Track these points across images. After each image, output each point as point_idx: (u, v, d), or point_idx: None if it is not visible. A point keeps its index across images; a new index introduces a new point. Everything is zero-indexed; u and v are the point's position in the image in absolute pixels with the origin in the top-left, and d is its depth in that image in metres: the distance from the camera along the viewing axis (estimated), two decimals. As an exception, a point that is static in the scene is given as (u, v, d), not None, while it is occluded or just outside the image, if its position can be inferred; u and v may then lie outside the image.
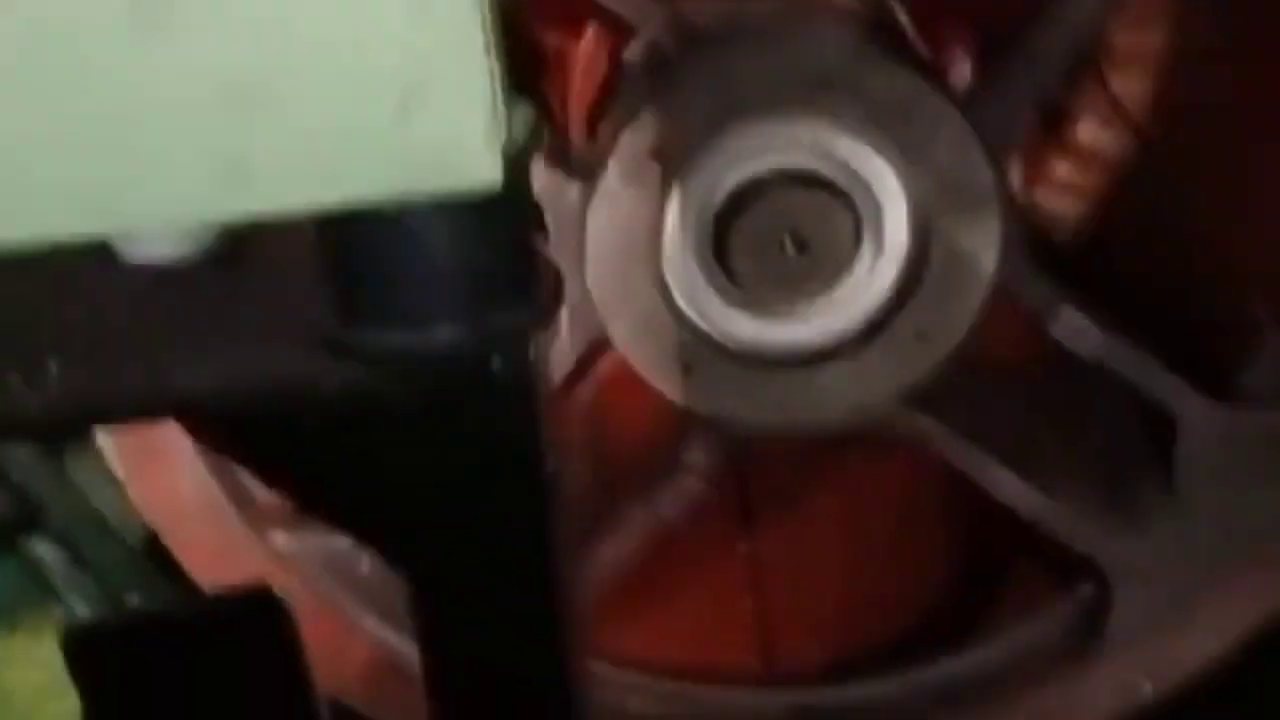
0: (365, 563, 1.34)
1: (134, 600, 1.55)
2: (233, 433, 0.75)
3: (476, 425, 0.74)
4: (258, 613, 0.94)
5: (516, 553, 0.78)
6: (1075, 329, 1.29)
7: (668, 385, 1.30)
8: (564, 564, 0.91)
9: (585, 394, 1.57)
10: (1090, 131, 1.64)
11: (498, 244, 0.72)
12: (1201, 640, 1.40)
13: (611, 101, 1.35)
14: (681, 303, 1.28)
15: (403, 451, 0.74)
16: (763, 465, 1.69)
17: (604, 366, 1.56)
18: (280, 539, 1.36)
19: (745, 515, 1.69)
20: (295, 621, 0.95)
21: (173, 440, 1.34)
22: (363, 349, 0.72)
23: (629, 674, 1.50)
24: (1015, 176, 1.30)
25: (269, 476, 0.79)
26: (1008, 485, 1.36)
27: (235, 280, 0.81)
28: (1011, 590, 1.53)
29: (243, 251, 0.80)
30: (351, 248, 0.73)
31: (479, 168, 0.66)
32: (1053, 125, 1.67)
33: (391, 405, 0.73)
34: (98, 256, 0.72)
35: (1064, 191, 1.65)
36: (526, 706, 0.85)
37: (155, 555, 1.46)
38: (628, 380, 1.49)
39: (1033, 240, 1.37)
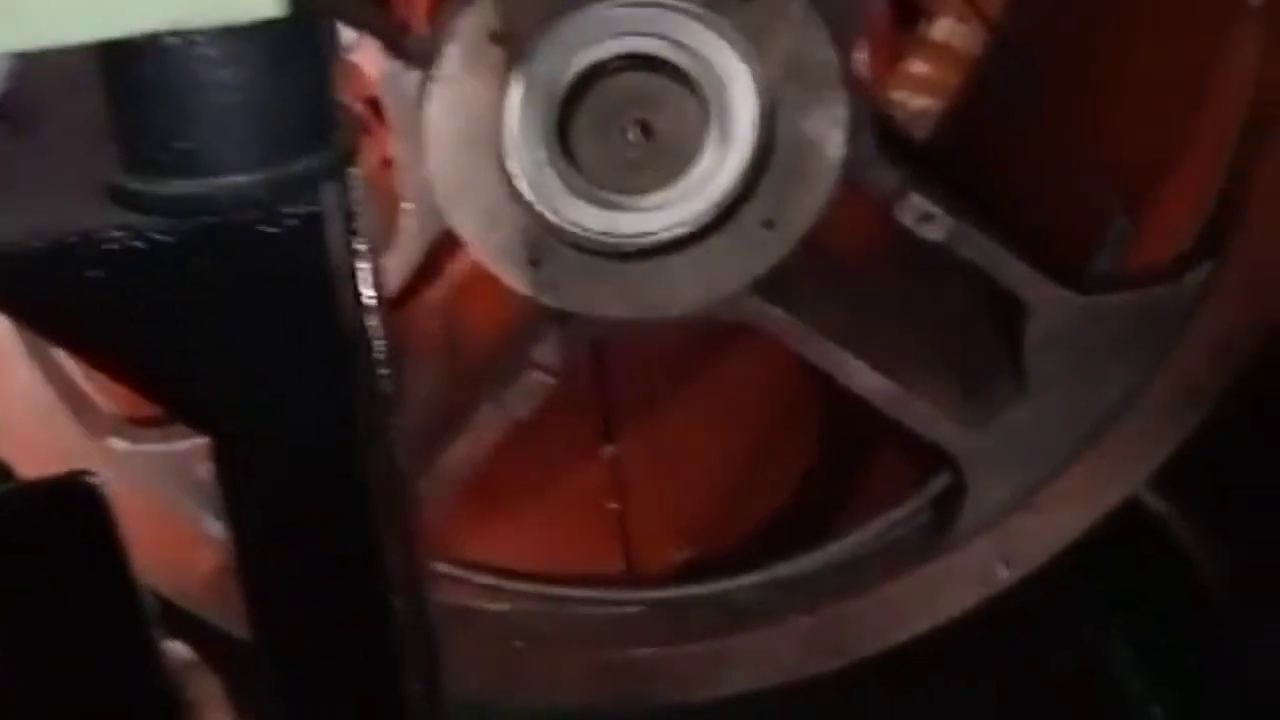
0: (204, 466, 1.30)
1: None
2: (19, 290, 0.72)
3: (269, 276, 0.71)
4: (69, 501, 0.91)
5: (320, 408, 0.75)
6: (923, 214, 1.28)
7: (515, 278, 1.28)
8: (379, 424, 0.88)
9: (438, 294, 1.55)
10: (946, 28, 1.64)
11: (288, 85, 0.69)
12: (1057, 524, 1.42)
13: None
14: (527, 193, 1.25)
15: (196, 305, 0.71)
16: (626, 369, 1.68)
17: (457, 266, 1.54)
18: (118, 444, 1.32)
19: (608, 419, 1.68)
20: (110, 509, 0.92)
21: (4, 345, 1.30)
22: (148, 199, 0.69)
23: (488, 575, 1.49)
24: (862, 63, 1.29)
25: (59, 335, 0.76)
26: (861, 376, 1.36)
27: (21, 137, 0.77)
28: (871, 485, 1.54)
29: (31, 108, 0.77)
30: (136, 94, 0.70)
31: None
32: (910, 23, 1.67)
33: (180, 257, 0.70)
34: None
35: (921, 88, 1.65)
36: (339, 577, 0.83)
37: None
38: (480, 279, 1.47)
39: (884, 131, 1.36)
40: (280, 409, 0.74)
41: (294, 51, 0.68)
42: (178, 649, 1.26)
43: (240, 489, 0.76)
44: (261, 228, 0.70)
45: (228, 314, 0.72)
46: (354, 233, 0.86)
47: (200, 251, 0.70)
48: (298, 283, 0.72)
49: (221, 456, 0.76)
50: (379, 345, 0.93)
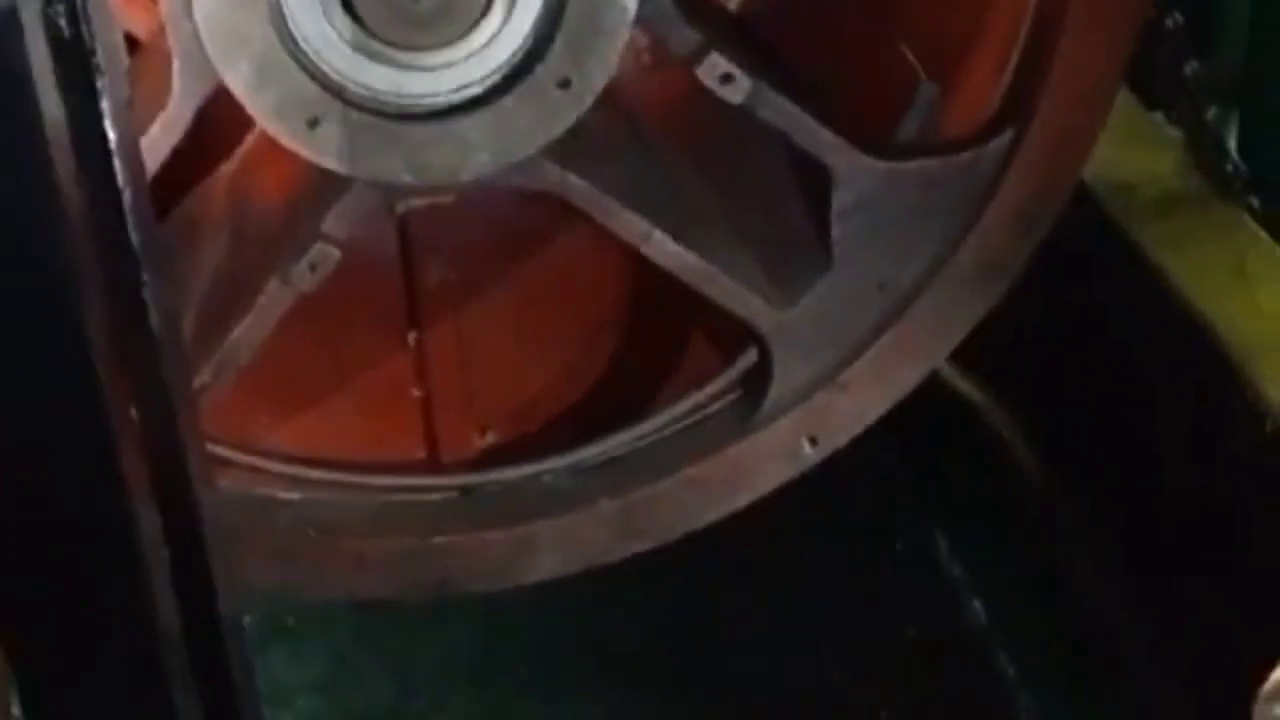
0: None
1: None
2: None
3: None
4: None
5: (19, 231, 0.68)
6: (723, 75, 1.24)
7: (292, 138, 1.21)
8: (119, 277, 0.82)
9: (228, 168, 1.47)
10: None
11: None
12: (862, 401, 1.40)
13: None
14: (305, 47, 1.18)
15: None
16: (431, 254, 1.62)
17: (249, 140, 1.46)
18: None
19: (413, 306, 1.62)
20: None
21: None
22: None
23: (287, 464, 1.43)
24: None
25: None
26: (663, 248, 1.32)
27: None
28: (678, 365, 1.50)
29: None
30: None
31: None
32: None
33: None
34: None
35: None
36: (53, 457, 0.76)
37: None
38: (267, 147, 1.39)
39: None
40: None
41: None
42: None
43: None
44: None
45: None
46: (85, 66, 0.79)
47: None
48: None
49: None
50: (127, 199, 0.86)
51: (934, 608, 2.03)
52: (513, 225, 1.55)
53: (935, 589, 2.05)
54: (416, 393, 1.56)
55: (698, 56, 1.24)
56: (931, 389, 1.68)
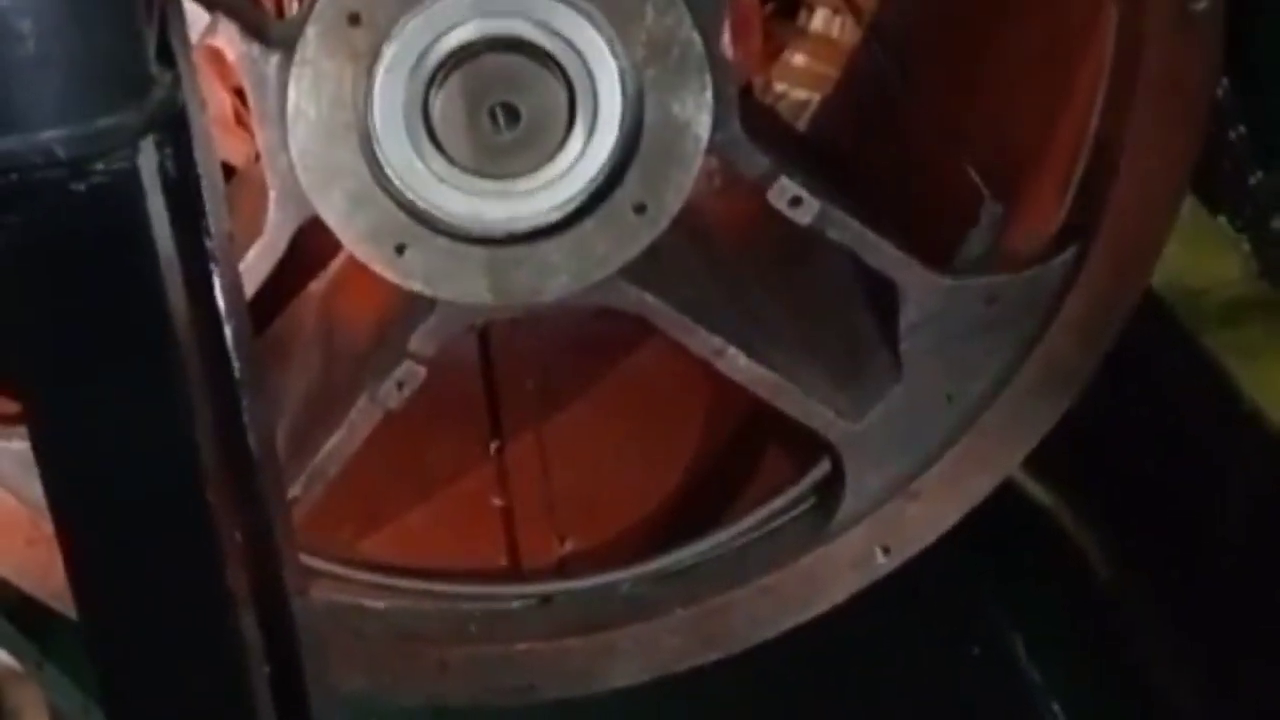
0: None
1: None
2: None
3: (79, 236, 0.69)
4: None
5: (141, 380, 0.73)
6: (793, 198, 1.28)
7: (381, 265, 1.26)
8: (225, 408, 0.87)
9: (317, 287, 1.53)
10: (823, 19, 1.65)
11: (91, 36, 0.67)
12: (933, 510, 1.42)
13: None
14: (393, 177, 1.24)
15: (6, 268, 0.70)
16: (512, 365, 1.68)
17: (335, 259, 1.53)
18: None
19: (495, 416, 1.67)
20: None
21: None
22: (-50, 155, 0.68)
23: (371, 573, 1.47)
24: (728, 46, 1.29)
25: None
26: (737, 363, 1.36)
27: None
28: (752, 475, 1.53)
29: None
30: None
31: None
32: (790, 14, 1.68)
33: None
34: None
35: (801, 79, 1.66)
36: (171, 578, 0.81)
37: None
38: (356, 270, 1.46)
39: (757, 116, 1.37)
40: (96, 381, 0.72)
41: (96, 2, 0.66)
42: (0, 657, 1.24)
43: (56, 477, 0.74)
44: (70, 185, 0.68)
45: (38, 277, 0.70)
46: (192, 205, 0.85)
47: (5, 210, 0.68)
48: (110, 243, 0.70)
49: (37, 439, 0.73)
50: (230, 330, 0.91)
51: (1013, 712, 2.03)
52: (592, 335, 1.60)
53: (1014, 693, 2.05)
54: (498, 502, 1.60)
55: (768, 180, 1.29)
56: (1007, 495, 1.70)
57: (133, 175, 0.69)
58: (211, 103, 1.50)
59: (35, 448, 0.74)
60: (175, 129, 0.78)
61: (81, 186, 0.68)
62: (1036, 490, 1.96)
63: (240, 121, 1.51)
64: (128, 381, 0.73)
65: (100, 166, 0.68)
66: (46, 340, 0.71)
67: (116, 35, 0.68)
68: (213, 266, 0.89)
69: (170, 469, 0.78)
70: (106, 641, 0.84)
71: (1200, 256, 1.94)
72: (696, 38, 1.21)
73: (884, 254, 1.32)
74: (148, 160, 0.70)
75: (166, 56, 0.77)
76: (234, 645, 0.83)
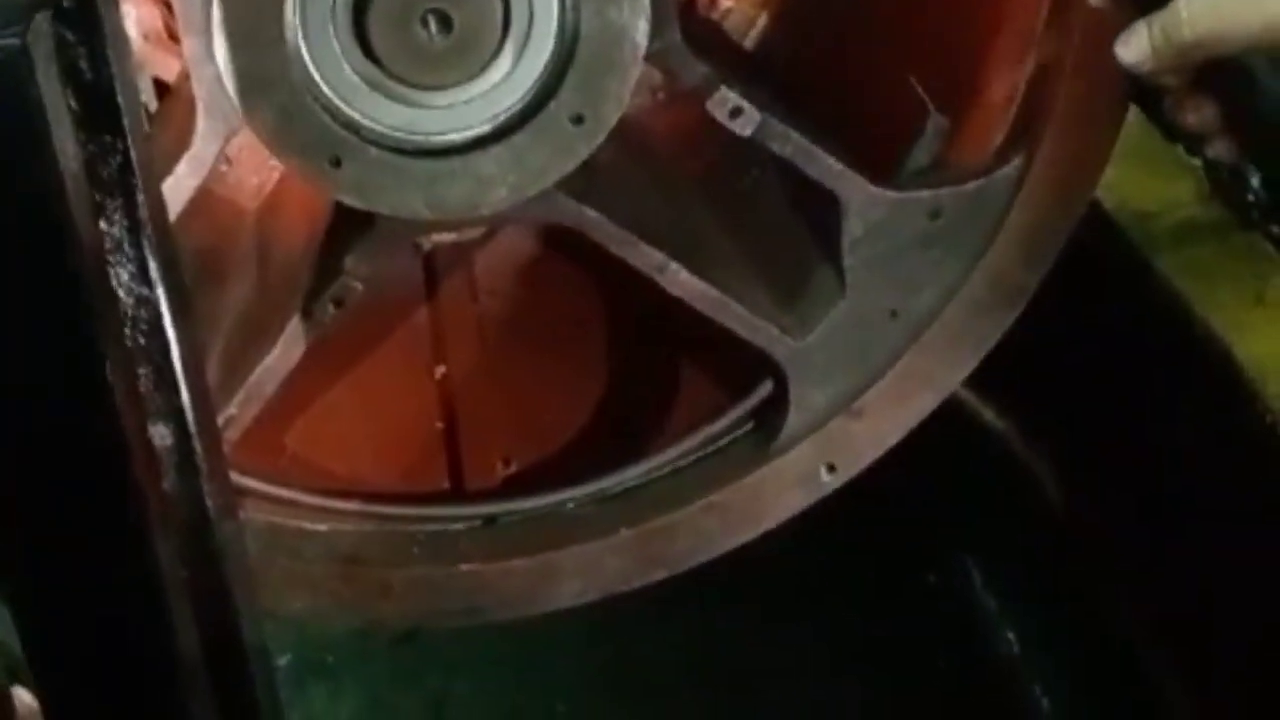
0: None
1: None
2: None
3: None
4: None
5: (37, 284, 0.71)
6: (733, 109, 1.27)
7: (316, 178, 1.24)
8: (138, 311, 0.85)
9: (250, 205, 1.51)
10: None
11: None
12: (877, 429, 1.42)
13: None
14: (324, 88, 1.21)
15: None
16: (455, 290, 1.66)
17: (271, 176, 1.50)
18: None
19: (438, 341, 1.65)
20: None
21: None
22: None
23: (311, 495, 1.46)
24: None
25: None
26: (679, 279, 1.34)
27: None
28: (694, 394, 1.52)
29: None
30: None
31: None
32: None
33: None
34: None
35: (747, -4, 1.64)
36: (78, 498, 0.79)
37: None
38: (290, 186, 1.43)
39: (699, 26, 1.35)
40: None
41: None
42: (24, 699, 1.21)
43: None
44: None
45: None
46: (104, 105, 0.82)
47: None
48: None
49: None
50: (151, 241, 0.89)
51: (966, 639, 2.04)
52: (534, 260, 1.58)
53: (967, 621, 2.06)
54: (440, 425, 1.59)
55: (707, 90, 1.27)
56: (958, 420, 1.69)
57: (22, 54, 0.67)
58: (142, 16, 1.47)
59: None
60: (79, 17, 0.76)
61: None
62: (988, 414, 1.96)
63: (172, 36, 1.48)
64: (25, 286, 0.71)
65: (-12, 43, 0.66)
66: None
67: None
68: (130, 172, 0.87)
69: (79, 378, 0.76)
70: (14, 570, 0.82)
71: (1152, 179, 1.93)
72: (633, -57, 1.19)
73: (826, 167, 1.31)
74: (40, 41, 0.68)
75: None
76: (147, 570, 0.82)
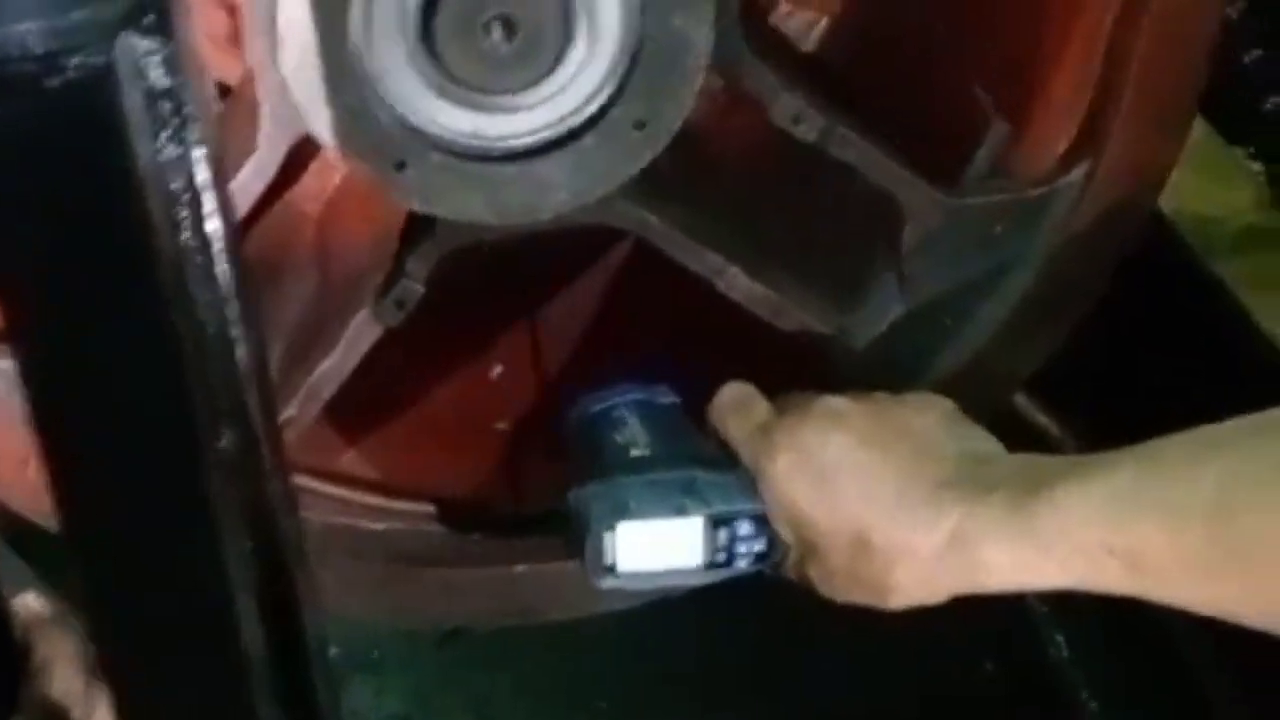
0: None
1: None
2: None
3: (55, 136, 0.68)
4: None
5: (119, 290, 0.72)
6: (795, 115, 1.27)
7: (380, 182, 1.25)
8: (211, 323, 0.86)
9: (313, 208, 1.51)
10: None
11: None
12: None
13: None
14: (389, 95, 1.22)
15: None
16: (513, 293, 1.66)
17: (333, 180, 1.51)
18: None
19: (496, 340, 1.66)
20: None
21: None
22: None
23: (368, 494, 1.47)
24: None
25: None
26: (738, 283, 1.34)
27: None
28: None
29: None
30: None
31: None
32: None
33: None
34: None
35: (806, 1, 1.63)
36: (157, 496, 0.80)
37: None
38: (352, 189, 1.44)
39: (760, 32, 1.35)
40: (74, 292, 0.71)
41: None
42: (29, 602, 1.22)
43: (39, 400, 0.73)
44: (44, 81, 0.67)
45: (14, 178, 0.69)
46: (178, 113, 0.83)
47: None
48: (86, 140, 0.68)
49: (17, 354, 0.72)
50: (221, 246, 0.90)
51: (1015, 641, 2.03)
52: (590, 266, 1.58)
53: (1017, 622, 2.05)
54: (501, 425, 1.60)
55: (770, 97, 1.27)
56: (1015, 428, 1.68)
57: (108, 71, 0.67)
58: (207, 20, 1.48)
59: (17, 362, 0.73)
60: (157, 30, 0.76)
61: (56, 82, 0.66)
62: (1042, 420, 1.95)
63: (236, 40, 1.49)
64: (107, 291, 0.72)
65: (75, 61, 0.67)
66: (26, 249, 0.69)
67: (90, -75, 0.67)
68: (197, 177, 0.87)
69: (153, 380, 0.77)
70: (87, 559, 0.83)
71: (1214, 184, 1.92)
72: (697, -51, 1.19)
73: (888, 172, 1.30)
74: (126, 56, 0.69)
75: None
76: (216, 561, 0.83)
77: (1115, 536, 1.02)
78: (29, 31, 0.66)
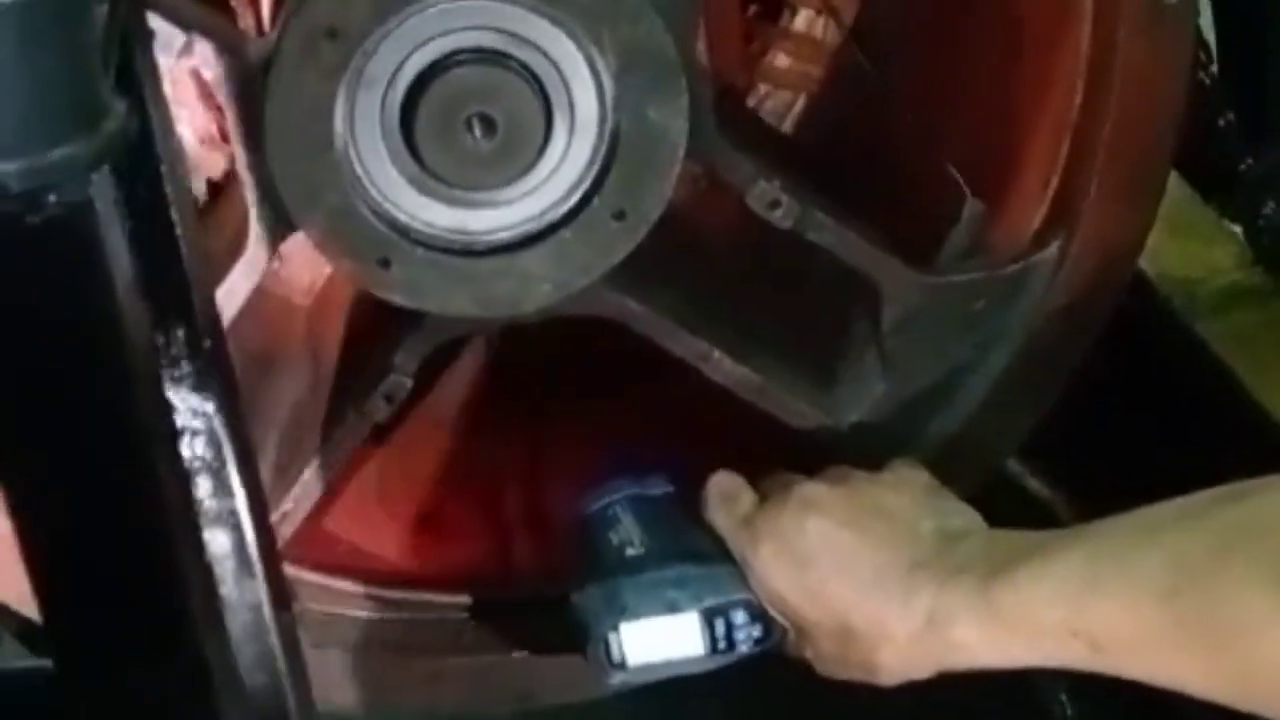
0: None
1: None
2: None
3: (37, 273, 0.70)
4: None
5: (88, 408, 0.74)
6: (771, 201, 1.29)
7: (366, 279, 1.27)
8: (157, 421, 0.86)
9: (302, 303, 1.54)
10: (806, 20, 1.65)
11: (50, 61, 0.68)
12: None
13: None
14: (373, 192, 1.24)
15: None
16: (505, 377, 1.68)
17: (323, 273, 1.53)
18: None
19: (487, 425, 1.67)
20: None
21: None
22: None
23: (358, 583, 1.48)
24: (703, 52, 1.29)
25: None
26: (722, 367, 1.36)
27: None
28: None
29: None
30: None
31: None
32: (774, 16, 1.68)
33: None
34: None
35: (784, 81, 1.66)
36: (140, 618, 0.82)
37: None
38: (338, 285, 1.46)
39: (736, 120, 1.37)
40: (53, 417, 0.73)
41: (43, 33, 0.67)
42: None
43: (23, 524, 0.75)
44: (25, 219, 0.69)
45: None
46: (164, 233, 0.85)
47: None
48: (67, 276, 0.70)
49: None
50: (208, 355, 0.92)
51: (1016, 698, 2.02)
52: (584, 352, 1.60)
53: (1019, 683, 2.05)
54: (491, 511, 1.60)
55: (747, 184, 1.29)
56: (1004, 489, 1.69)
57: (87, 207, 0.69)
58: (196, 121, 1.51)
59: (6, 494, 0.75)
60: (137, 157, 0.78)
61: (36, 220, 0.68)
62: (1034, 484, 1.96)
63: (225, 138, 1.52)
64: (83, 415, 0.74)
65: (53, 199, 0.69)
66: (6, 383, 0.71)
67: (69, 66, 0.69)
68: (187, 289, 0.90)
69: (132, 499, 0.79)
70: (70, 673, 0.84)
71: (1194, 244, 1.94)
72: (670, 45, 1.21)
73: (864, 254, 1.32)
74: (103, 191, 0.71)
75: (127, 83, 0.78)
76: (201, 667, 0.84)
77: (1077, 618, 1.04)
78: (7, 172, 0.68)
